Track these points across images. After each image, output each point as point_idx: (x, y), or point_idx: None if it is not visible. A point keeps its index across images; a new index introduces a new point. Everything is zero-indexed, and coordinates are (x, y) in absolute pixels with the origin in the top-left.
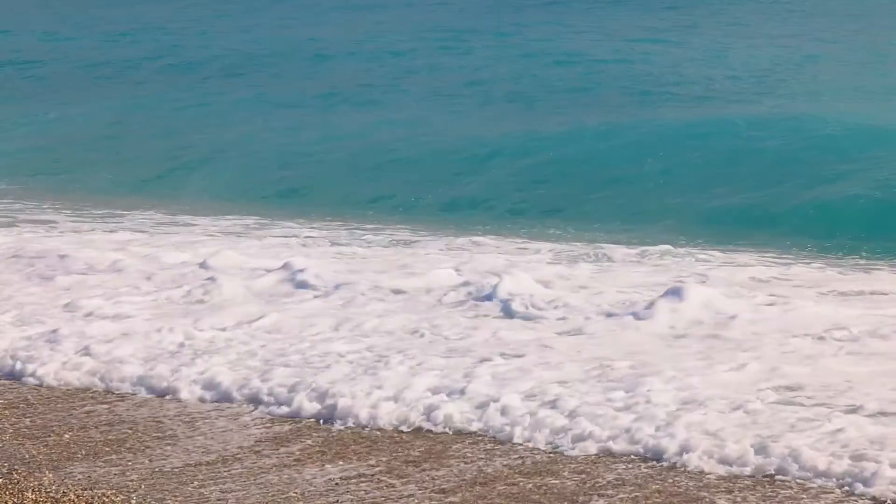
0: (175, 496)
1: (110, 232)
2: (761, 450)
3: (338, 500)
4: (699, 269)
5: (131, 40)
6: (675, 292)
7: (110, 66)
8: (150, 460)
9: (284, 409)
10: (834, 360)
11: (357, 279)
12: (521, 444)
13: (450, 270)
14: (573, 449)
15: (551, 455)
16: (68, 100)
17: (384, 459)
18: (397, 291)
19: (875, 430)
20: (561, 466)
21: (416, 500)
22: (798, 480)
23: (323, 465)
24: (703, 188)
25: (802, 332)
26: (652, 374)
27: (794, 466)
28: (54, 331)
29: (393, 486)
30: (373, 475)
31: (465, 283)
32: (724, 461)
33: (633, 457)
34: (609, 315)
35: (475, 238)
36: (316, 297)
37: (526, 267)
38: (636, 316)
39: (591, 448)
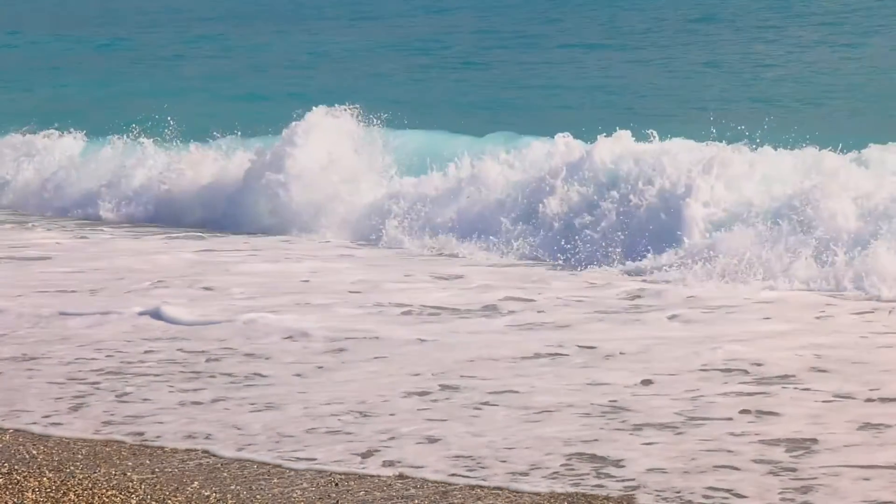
0: (175, 496)
1: None
2: None
3: (338, 500)
4: None
5: None
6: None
7: None
8: (151, 461)
9: None
10: None
11: None
12: None
13: None
14: None
15: None
16: None
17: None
18: None
19: None
20: None
21: (418, 501)
22: None
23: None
24: None
25: None
26: None
27: None
28: None
29: (393, 487)
30: (377, 475)
31: None
32: None
33: None
34: None
35: None
36: None
37: None
38: None
39: None
